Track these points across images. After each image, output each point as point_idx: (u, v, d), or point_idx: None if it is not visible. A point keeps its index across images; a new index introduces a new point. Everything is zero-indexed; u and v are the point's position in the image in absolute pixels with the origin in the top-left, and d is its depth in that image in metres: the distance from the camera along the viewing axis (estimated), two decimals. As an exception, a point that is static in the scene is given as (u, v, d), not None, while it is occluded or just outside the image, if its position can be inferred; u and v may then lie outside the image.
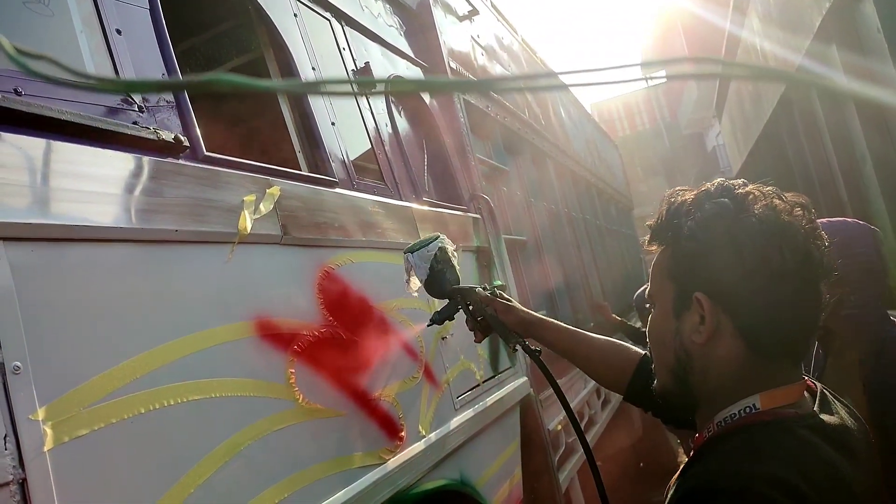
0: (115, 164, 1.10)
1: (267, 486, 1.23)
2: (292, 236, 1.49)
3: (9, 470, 0.83)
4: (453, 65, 3.15)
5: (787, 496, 0.74)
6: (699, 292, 0.91)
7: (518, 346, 1.51)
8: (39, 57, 0.42)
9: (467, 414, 2.14)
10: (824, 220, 2.12)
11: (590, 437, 3.82)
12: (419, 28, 3.00)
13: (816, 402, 0.92)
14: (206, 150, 1.35)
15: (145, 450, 1.01)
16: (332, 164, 1.83)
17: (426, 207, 2.31)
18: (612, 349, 1.45)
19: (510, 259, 3.06)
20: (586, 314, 4.62)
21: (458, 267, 1.65)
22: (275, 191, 1.47)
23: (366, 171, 2.08)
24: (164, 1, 1.40)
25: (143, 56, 1.30)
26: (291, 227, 1.50)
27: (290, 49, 1.86)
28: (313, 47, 1.98)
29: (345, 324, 1.61)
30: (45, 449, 0.87)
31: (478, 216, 2.79)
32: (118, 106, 1.18)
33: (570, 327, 1.52)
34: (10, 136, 0.95)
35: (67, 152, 1.02)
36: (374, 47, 2.47)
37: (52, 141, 1.00)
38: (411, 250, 1.63)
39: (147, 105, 1.24)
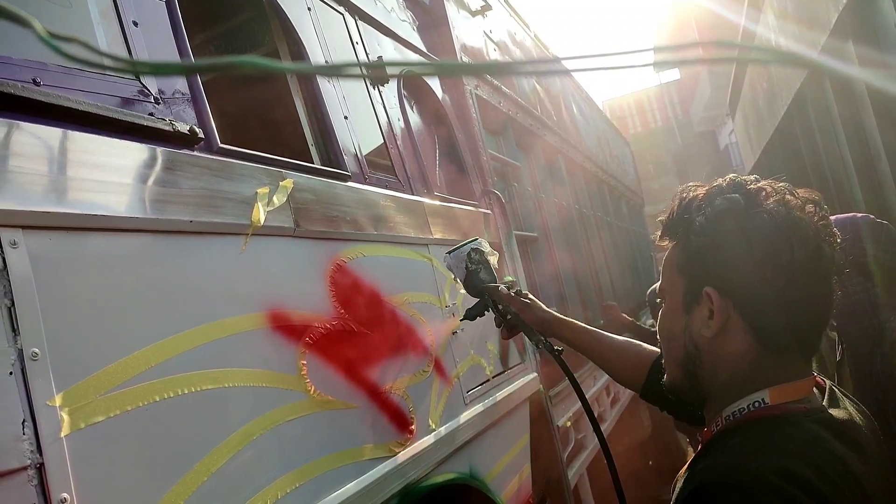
0: (132, 155, 1.11)
1: (279, 476, 1.24)
2: (305, 229, 1.50)
3: (27, 454, 0.84)
4: (466, 60, 3.15)
5: (799, 488, 0.74)
6: (709, 287, 0.91)
7: (540, 345, 1.57)
8: (70, 40, 0.43)
9: (477, 408, 2.14)
10: (836, 216, 2.12)
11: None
12: (432, 23, 2.99)
13: (825, 397, 0.92)
14: (221, 142, 1.36)
15: (160, 437, 1.02)
16: (345, 158, 1.84)
17: (437, 203, 2.31)
18: (629, 348, 1.49)
19: (521, 255, 3.06)
20: (597, 312, 4.61)
21: (495, 267, 1.76)
22: (288, 183, 1.47)
23: (378, 165, 2.09)
24: (179, -7, 1.41)
25: (159, 48, 1.31)
26: (304, 220, 1.50)
27: (304, 43, 1.86)
28: (327, 41, 1.99)
29: (356, 317, 1.62)
30: (62, 435, 0.88)
31: (489, 212, 2.79)
32: (134, 97, 1.19)
33: (588, 326, 1.57)
34: (28, 126, 0.96)
35: (85, 142, 1.03)
36: (387, 42, 2.47)
37: (69, 131, 1.02)
38: (449, 251, 1.77)
39: (163, 96, 1.25)
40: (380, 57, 2.30)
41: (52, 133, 0.99)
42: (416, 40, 2.75)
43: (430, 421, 1.85)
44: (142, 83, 1.22)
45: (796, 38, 4.55)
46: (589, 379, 3.81)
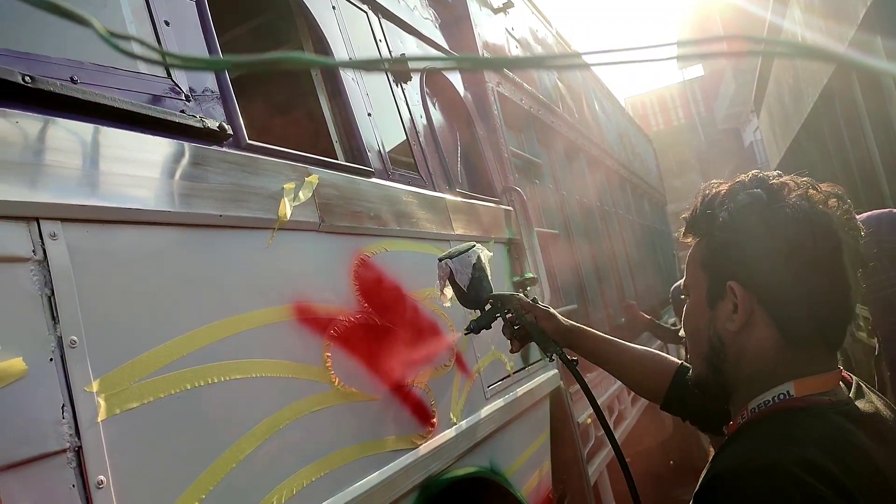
0: (164, 150, 1.14)
1: (304, 465, 1.27)
2: (329, 224, 1.52)
3: (66, 438, 0.87)
4: (488, 55, 3.16)
5: (818, 479, 0.74)
6: (732, 281, 0.92)
7: (555, 356, 1.52)
8: (128, 38, 0.45)
9: (498, 403, 2.16)
10: (870, 211, 2.10)
11: (619, 433, 3.80)
12: (454, 20, 3.01)
13: (852, 391, 0.92)
14: (248, 139, 1.39)
15: (190, 425, 1.06)
16: (369, 155, 1.86)
17: (459, 199, 2.32)
18: (650, 358, 1.47)
19: (542, 252, 3.06)
20: (617, 310, 4.59)
21: (490, 276, 1.64)
22: (313, 179, 1.50)
23: (401, 161, 2.11)
24: (208, -7, 1.44)
25: (189, 47, 1.34)
26: (329, 215, 1.53)
27: (329, 41, 1.89)
28: (350, 39, 2.01)
29: (379, 311, 1.65)
30: (99, 420, 0.92)
31: (510, 208, 2.80)
32: (166, 94, 1.22)
33: (608, 336, 1.53)
34: (66, 122, 0.99)
35: (119, 138, 1.07)
36: (410, 39, 2.49)
37: (105, 127, 1.05)
38: (449, 256, 1.60)
39: (193, 94, 1.29)
40: (403, 54, 2.32)
41: (88, 129, 1.02)
42: (438, 38, 2.77)
43: (451, 415, 1.87)
44: (173, 81, 1.25)
45: (823, 32, 4.49)
46: (608, 378, 3.79)
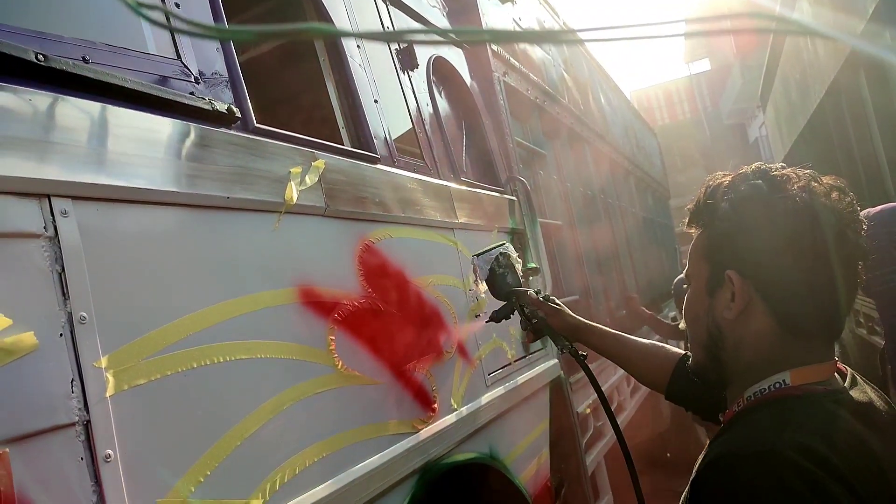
0: (173, 131, 1.15)
1: (307, 445, 1.28)
2: (335, 209, 1.53)
3: (75, 412, 0.89)
4: (494, 47, 3.16)
5: (815, 463, 0.75)
6: (731, 270, 0.93)
7: (565, 350, 1.62)
8: (155, 7, 0.46)
9: (498, 391, 2.17)
10: (877, 207, 2.10)
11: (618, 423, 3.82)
12: (461, 9, 3.00)
13: (847, 381, 0.93)
14: (256, 122, 1.40)
15: (197, 402, 1.07)
16: (375, 141, 1.87)
17: (464, 188, 2.33)
18: (653, 350, 1.53)
19: (545, 243, 3.07)
20: (618, 302, 4.60)
21: (520, 273, 1.81)
22: (320, 164, 1.51)
23: (406, 149, 2.11)
24: (218, -24, 1.44)
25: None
26: (334, 200, 1.54)
27: (337, 26, 1.89)
28: (359, 25, 2.01)
29: (383, 296, 1.66)
30: (107, 395, 0.93)
31: (514, 198, 2.80)
32: (176, 76, 1.23)
33: (614, 331, 1.62)
34: (78, 101, 1.00)
35: (130, 118, 1.07)
36: (418, 27, 2.49)
37: (115, 107, 1.06)
38: (477, 254, 1.82)
39: (203, 77, 1.29)
40: (416, 29, 2.32)
41: (99, 109, 1.03)
42: (445, 26, 2.76)
43: (452, 401, 1.88)
44: (183, 63, 1.26)
45: (833, 24, 4.47)
46: (610, 367, 3.81)
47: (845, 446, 0.79)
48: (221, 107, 1.28)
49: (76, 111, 0.99)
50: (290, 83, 2.33)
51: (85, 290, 0.94)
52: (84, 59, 1.05)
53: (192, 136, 1.18)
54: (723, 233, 0.95)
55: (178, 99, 1.19)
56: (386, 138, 1.96)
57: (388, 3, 2.28)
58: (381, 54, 2.16)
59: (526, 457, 2.31)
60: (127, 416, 0.95)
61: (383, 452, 1.51)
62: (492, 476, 2.06)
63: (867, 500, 0.76)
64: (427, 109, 2.34)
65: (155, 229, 1.08)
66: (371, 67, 2.02)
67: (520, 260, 1.85)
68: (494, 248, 1.81)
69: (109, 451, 0.91)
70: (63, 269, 0.92)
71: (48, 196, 0.92)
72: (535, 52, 3.96)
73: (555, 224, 3.57)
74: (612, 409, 3.77)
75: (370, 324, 1.58)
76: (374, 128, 1.91)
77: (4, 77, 0.91)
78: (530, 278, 2.72)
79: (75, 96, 1.00)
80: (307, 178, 1.46)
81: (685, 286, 1.08)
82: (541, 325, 1.67)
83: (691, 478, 0.93)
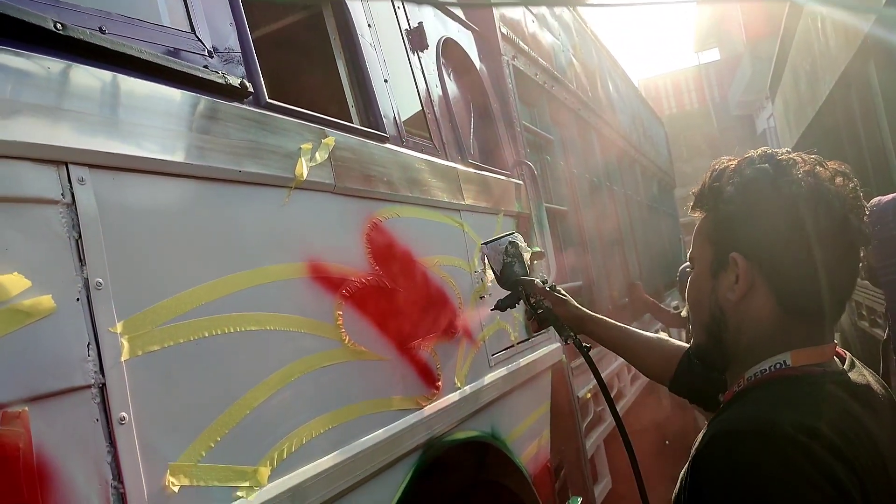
0: (187, 103, 1.16)
1: (313, 417, 1.31)
2: (344, 186, 1.55)
3: (91, 374, 0.91)
4: (504, 30, 3.15)
5: (815, 441, 0.77)
6: (735, 252, 0.94)
7: (569, 340, 1.61)
8: None
9: (501, 372, 2.20)
10: (888, 195, 2.10)
11: (618, 409, 3.85)
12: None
13: (846, 364, 0.95)
14: (268, 98, 1.41)
15: (208, 370, 1.09)
16: (384, 120, 1.88)
17: (471, 170, 2.34)
18: (657, 343, 1.54)
19: (550, 228, 3.08)
20: (622, 289, 4.62)
21: (528, 263, 1.80)
22: (330, 141, 1.52)
23: (415, 129, 2.12)
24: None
25: (212, 7, 1.35)
26: (343, 178, 1.55)
27: (348, 6, 1.89)
28: (370, 6, 2.01)
29: (389, 274, 1.68)
30: (122, 359, 0.95)
31: (520, 182, 2.81)
32: (190, 50, 1.24)
33: (619, 323, 1.62)
34: (95, 70, 1.01)
35: (145, 89, 1.09)
36: (428, 9, 2.49)
37: (131, 77, 1.07)
38: (487, 242, 1.80)
39: (216, 51, 1.30)
40: (420, 23, 2.32)
41: (115, 78, 1.04)
42: (455, 8, 2.75)
43: (455, 379, 1.91)
44: (197, 36, 1.27)
45: (847, 8, 4.43)
46: (611, 354, 3.83)
47: (843, 425, 0.81)
48: (234, 81, 1.29)
49: (94, 80, 1.01)
50: (301, 61, 2.34)
51: (101, 256, 0.95)
52: (101, 30, 1.06)
53: (206, 109, 1.20)
54: (728, 215, 0.96)
55: (192, 72, 1.20)
56: (395, 118, 1.97)
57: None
58: (392, 34, 2.16)
59: (527, 437, 2.34)
60: (141, 381, 0.97)
61: (388, 427, 1.53)
62: (492, 455, 2.09)
63: (864, 476, 0.78)
64: (436, 90, 2.34)
65: (168, 200, 1.10)
66: (381, 47, 2.03)
67: (528, 249, 1.84)
68: (503, 236, 1.79)
69: (124, 414, 0.94)
70: (80, 236, 0.93)
71: (66, 163, 0.94)
72: (545, 36, 3.95)
73: (560, 209, 3.57)
74: (612, 395, 3.80)
75: (377, 301, 1.60)
76: (384, 107, 1.92)
77: (24, 44, 0.92)
78: (535, 263, 2.73)
79: (92, 66, 1.01)
80: (317, 154, 1.47)
81: (689, 269, 1.09)
82: (546, 314, 1.66)
83: (690, 455, 0.95)
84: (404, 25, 2.24)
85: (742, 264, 0.94)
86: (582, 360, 3.05)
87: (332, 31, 1.92)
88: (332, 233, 1.51)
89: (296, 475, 1.22)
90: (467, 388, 1.94)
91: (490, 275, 1.86)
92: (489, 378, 2.10)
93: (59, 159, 0.93)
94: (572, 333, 1.61)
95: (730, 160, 1.01)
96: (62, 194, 0.93)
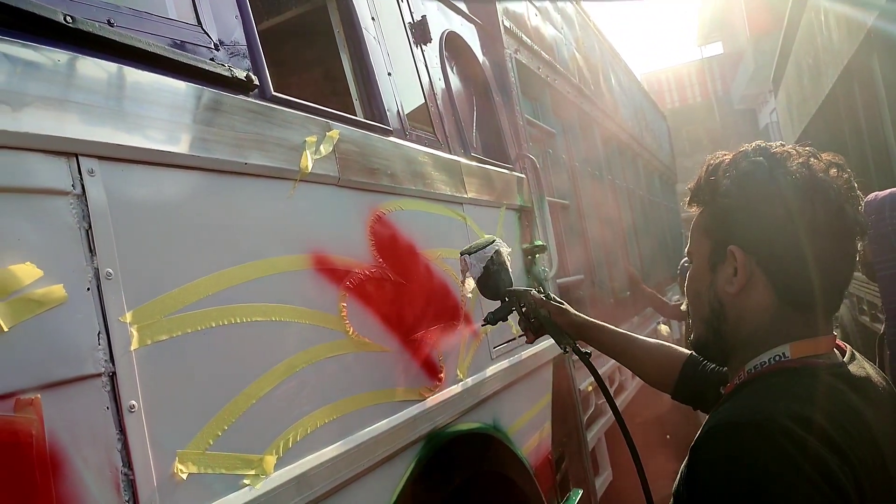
0: (194, 96, 1.17)
1: (318, 407, 1.32)
2: (348, 179, 1.56)
3: (101, 363, 0.93)
4: (507, 23, 3.15)
5: (811, 433, 0.78)
6: (733, 245, 0.95)
7: (568, 349, 1.58)
8: None
9: (503, 364, 2.21)
10: (886, 191, 2.11)
11: (618, 403, 3.87)
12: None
13: (846, 357, 0.96)
14: (273, 91, 1.42)
15: (215, 360, 1.11)
16: (388, 114, 1.89)
17: (474, 163, 2.35)
18: (659, 350, 1.52)
19: (552, 222, 3.08)
20: (623, 283, 4.63)
21: (510, 270, 1.72)
22: (334, 134, 1.53)
23: (418, 122, 2.13)
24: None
25: (218, 0, 1.36)
26: (347, 170, 1.56)
27: (353, 0, 1.90)
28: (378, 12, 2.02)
29: (393, 266, 1.69)
30: (132, 348, 0.97)
31: (523, 175, 2.82)
32: (197, 43, 1.25)
33: (620, 330, 1.59)
34: (103, 63, 1.03)
35: (153, 81, 1.10)
36: (431, 2, 2.49)
37: (139, 70, 1.08)
38: (468, 252, 1.68)
39: (223, 44, 1.31)
40: (424, 17, 2.32)
41: (124, 71, 1.05)
42: (458, 1, 2.76)
43: (458, 371, 1.92)
44: (204, 30, 1.27)
45: (852, 1, 4.41)
46: (612, 348, 3.85)
47: (841, 417, 0.82)
48: (240, 74, 1.30)
49: (103, 73, 1.02)
50: (305, 55, 2.35)
51: (111, 247, 0.97)
52: (109, 23, 1.07)
53: (212, 101, 1.21)
54: (724, 209, 0.97)
55: (199, 65, 1.21)
56: (398, 111, 1.97)
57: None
58: (396, 28, 2.16)
59: (528, 430, 2.36)
60: (150, 370, 0.99)
61: (391, 418, 1.55)
62: (494, 447, 2.10)
63: (859, 469, 0.79)
64: (439, 84, 2.35)
65: (176, 191, 1.11)
66: (385, 41, 2.03)
67: (510, 257, 1.74)
68: (487, 245, 1.68)
69: (133, 402, 0.95)
70: (90, 227, 0.95)
71: (76, 155, 0.95)
72: (548, 30, 3.95)
73: (562, 203, 3.58)
74: (612, 389, 3.82)
75: (380, 293, 1.62)
76: (388, 100, 1.93)
77: (35, 37, 0.93)
78: (537, 256, 2.74)
79: (101, 58, 1.02)
80: (322, 147, 1.48)
81: (687, 264, 1.10)
82: (543, 323, 1.62)
83: (690, 446, 0.96)
84: (408, 19, 2.24)
85: (740, 257, 0.95)
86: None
87: (337, 25, 1.93)
88: (337, 225, 1.52)
89: (301, 464, 1.24)
90: (469, 380, 1.96)
91: (471, 285, 1.76)
92: (491, 370, 2.12)
93: (69, 151, 0.94)
94: (571, 341, 1.58)
95: (725, 154, 1.02)
96: (73, 185, 0.94)
